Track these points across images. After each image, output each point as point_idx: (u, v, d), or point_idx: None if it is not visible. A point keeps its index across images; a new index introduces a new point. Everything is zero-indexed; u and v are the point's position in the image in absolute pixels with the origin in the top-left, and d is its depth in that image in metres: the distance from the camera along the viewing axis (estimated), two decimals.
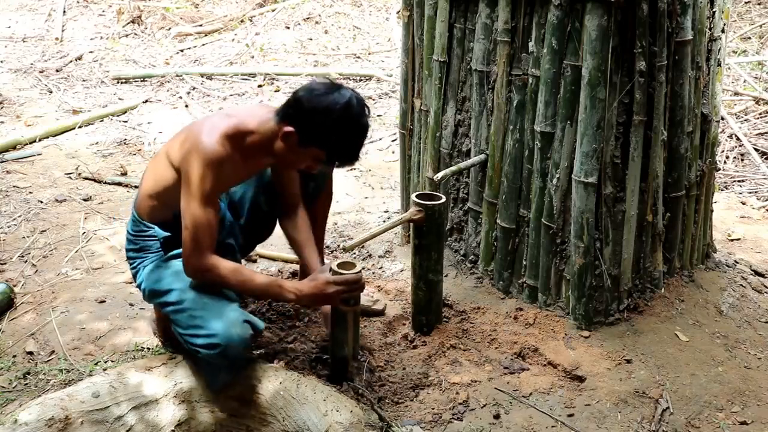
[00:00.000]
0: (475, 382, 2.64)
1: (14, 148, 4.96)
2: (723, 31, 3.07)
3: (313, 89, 2.36)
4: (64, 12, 8.57)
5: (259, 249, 3.37)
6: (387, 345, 2.85)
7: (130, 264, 2.69)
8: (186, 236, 2.39)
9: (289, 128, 2.35)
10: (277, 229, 2.90)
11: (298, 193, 2.81)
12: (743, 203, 4.30)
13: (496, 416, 2.48)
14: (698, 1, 2.87)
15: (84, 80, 6.57)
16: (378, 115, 5.70)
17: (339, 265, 2.48)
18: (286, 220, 2.82)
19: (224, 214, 2.71)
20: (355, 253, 3.52)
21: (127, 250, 2.69)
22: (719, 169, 4.05)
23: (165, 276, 2.56)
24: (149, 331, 2.93)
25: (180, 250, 2.58)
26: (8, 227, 3.84)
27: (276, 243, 3.47)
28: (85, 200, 4.21)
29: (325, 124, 2.31)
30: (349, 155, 2.42)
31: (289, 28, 8.05)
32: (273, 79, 6.54)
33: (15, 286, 3.25)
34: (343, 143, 2.37)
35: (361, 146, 2.41)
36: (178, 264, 2.55)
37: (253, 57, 7.26)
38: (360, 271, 2.49)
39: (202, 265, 2.41)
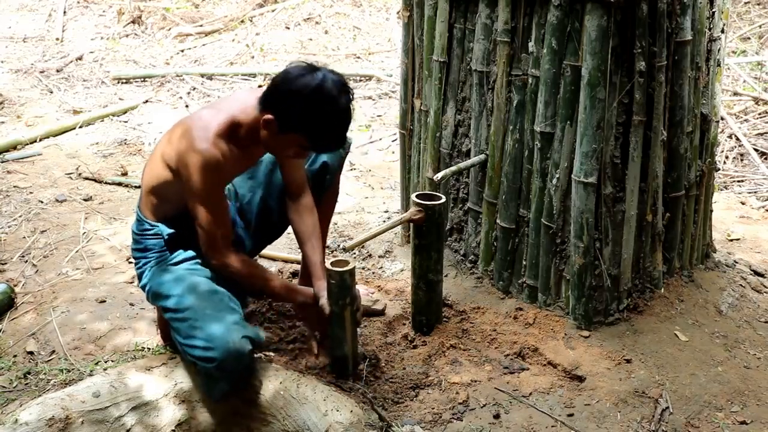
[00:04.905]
0: (475, 382, 2.64)
1: (15, 148, 4.97)
2: (722, 31, 3.07)
3: (287, 72, 2.30)
4: (65, 12, 8.57)
5: None
6: (387, 345, 2.85)
7: (136, 264, 2.66)
8: (201, 235, 2.47)
9: (269, 116, 2.31)
10: None
11: (303, 179, 2.72)
12: (743, 203, 4.30)
13: (496, 416, 2.48)
14: (698, 1, 2.87)
15: (84, 80, 6.57)
16: (378, 116, 5.69)
17: (333, 263, 2.47)
18: (292, 208, 2.73)
19: (234, 219, 2.70)
20: (355, 253, 3.52)
21: (133, 250, 2.67)
22: (719, 169, 4.05)
23: (168, 280, 2.53)
24: (149, 331, 2.93)
25: (186, 254, 2.58)
26: (9, 227, 3.84)
27: (276, 243, 3.46)
28: (85, 200, 4.21)
29: (300, 108, 2.25)
30: (331, 139, 2.34)
31: (289, 28, 8.04)
32: None
33: (15, 286, 3.26)
34: (320, 126, 2.28)
35: (343, 129, 2.32)
36: (181, 269, 2.54)
37: (253, 57, 7.26)
38: (353, 269, 2.48)
39: (220, 261, 2.50)
